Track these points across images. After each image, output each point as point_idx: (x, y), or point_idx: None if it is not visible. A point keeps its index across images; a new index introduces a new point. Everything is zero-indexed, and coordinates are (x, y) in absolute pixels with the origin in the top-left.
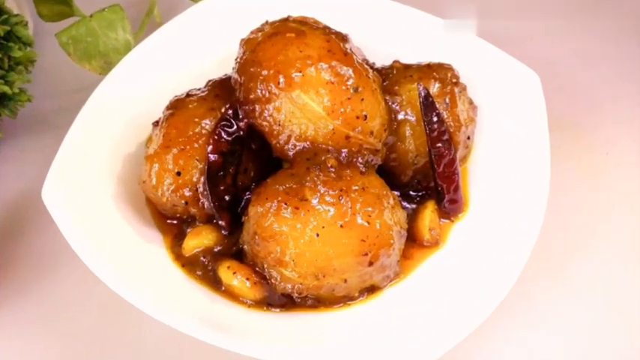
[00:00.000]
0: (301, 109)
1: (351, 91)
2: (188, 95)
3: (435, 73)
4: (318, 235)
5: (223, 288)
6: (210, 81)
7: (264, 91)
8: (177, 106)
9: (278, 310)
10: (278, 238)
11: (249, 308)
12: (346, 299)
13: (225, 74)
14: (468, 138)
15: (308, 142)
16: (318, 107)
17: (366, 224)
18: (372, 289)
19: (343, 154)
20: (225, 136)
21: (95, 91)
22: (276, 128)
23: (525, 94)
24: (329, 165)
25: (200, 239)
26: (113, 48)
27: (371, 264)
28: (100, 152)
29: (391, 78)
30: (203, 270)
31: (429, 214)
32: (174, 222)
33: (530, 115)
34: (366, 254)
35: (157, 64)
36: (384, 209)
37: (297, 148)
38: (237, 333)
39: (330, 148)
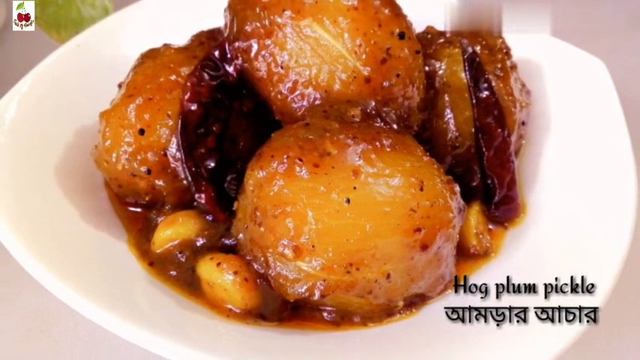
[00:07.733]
0: (313, 45)
1: (381, 17)
2: (165, 45)
3: (481, 39)
4: (348, 201)
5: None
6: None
7: (264, 21)
8: (149, 55)
9: (275, 323)
10: (291, 211)
11: (228, 319)
12: (385, 311)
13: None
14: (523, 123)
15: (321, 92)
16: (336, 42)
17: (417, 187)
18: (418, 301)
19: (370, 106)
20: (207, 79)
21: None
22: (276, 72)
23: (590, 82)
24: (351, 114)
25: (176, 228)
26: (89, 17)
27: (424, 248)
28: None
29: (425, 44)
30: (178, 269)
31: (474, 214)
32: (139, 210)
33: (598, 106)
34: (418, 230)
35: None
36: (436, 175)
37: (306, 99)
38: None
39: (351, 100)
